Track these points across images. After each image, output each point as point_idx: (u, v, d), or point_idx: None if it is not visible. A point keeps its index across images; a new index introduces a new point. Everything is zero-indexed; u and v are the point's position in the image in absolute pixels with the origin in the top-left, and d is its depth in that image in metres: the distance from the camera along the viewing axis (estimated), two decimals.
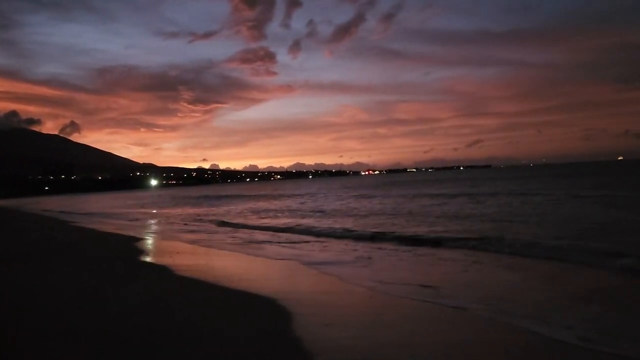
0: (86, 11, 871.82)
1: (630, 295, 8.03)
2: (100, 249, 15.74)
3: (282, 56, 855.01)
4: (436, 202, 33.57)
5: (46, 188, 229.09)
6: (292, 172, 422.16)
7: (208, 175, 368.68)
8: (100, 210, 51.38)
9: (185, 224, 28.08)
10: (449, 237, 15.18)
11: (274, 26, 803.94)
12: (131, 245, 16.25)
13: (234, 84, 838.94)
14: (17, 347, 5.50)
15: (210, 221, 29.58)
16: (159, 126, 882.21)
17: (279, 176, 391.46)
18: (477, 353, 5.33)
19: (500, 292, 8.17)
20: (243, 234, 21.09)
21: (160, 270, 11.04)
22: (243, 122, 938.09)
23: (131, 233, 21.66)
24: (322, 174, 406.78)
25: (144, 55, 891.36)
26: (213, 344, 5.56)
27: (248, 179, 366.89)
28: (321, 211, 32.64)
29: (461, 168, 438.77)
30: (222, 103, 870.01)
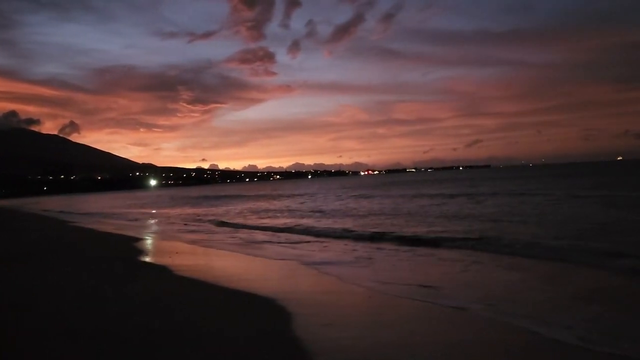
0: (85, 11, 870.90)
1: (630, 296, 8.02)
2: (99, 249, 15.73)
3: (281, 56, 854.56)
4: (435, 202, 33.57)
5: (44, 188, 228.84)
6: (291, 172, 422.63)
7: (207, 175, 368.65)
8: (100, 210, 51.35)
9: (185, 224, 28.06)
10: (448, 237, 15.18)
11: (273, 26, 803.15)
12: (130, 245, 16.24)
13: (233, 84, 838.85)
14: (17, 347, 5.49)
15: (210, 221, 29.57)
16: (158, 126, 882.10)
17: (278, 176, 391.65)
18: (477, 353, 5.33)
19: (500, 292, 8.17)
20: (242, 234, 21.08)
21: (159, 271, 11.03)
22: (242, 122, 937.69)
23: (131, 233, 21.65)
24: (322, 174, 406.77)
25: (143, 55, 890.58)
26: (212, 344, 5.55)
27: (247, 179, 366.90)
28: (320, 211, 32.64)
29: (460, 168, 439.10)
30: (221, 103, 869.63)
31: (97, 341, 5.64)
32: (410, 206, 31.84)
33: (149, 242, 18.45)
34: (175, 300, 8.01)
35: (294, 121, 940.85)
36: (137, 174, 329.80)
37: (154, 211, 45.11)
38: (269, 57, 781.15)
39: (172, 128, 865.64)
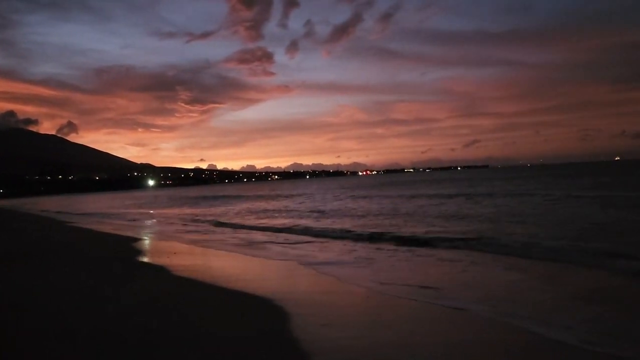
0: (83, 11, 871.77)
1: (630, 296, 8.00)
2: (98, 249, 15.69)
3: (280, 56, 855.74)
4: (434, 203, 33.56)
5: (42, 188, 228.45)
6: (289, 172, 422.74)
7: (205, 176, 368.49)
8: (98, 210, 51.29)
9: (183, 225, 28.02)
10: (447, 238, 15.15)
11: (271, 26, 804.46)
12: (129, 246, 16.20)
13: (231, 84, 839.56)
14: (17, 347, 5.47)
15: (208, 221, 29.52)
16: (156, 126, 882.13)
17: (276, 176, 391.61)
18: (477, 353, 5.31)
19: (499, 292, 8.15)
20: (241, 234, 21.05)
21: (157, 271, 11.00)
22: (240, 122, 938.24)
23: (129, 233, 21.61)
24: (320, 174, 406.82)
25: (141, 56, 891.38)
26: (210, 344, 5.53)
27: (245, 179, 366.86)
28: (319, 211, 32.60)
29: (459, 168, 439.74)
30: (219, 103, 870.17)
31: (95, 341, 5.61)
32: (408, 206, 31.83)
33: (147, 242, 18.43)
34: (173, 300, 7.98)
35: (292, 121, 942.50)
36: (135, 174, 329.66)
37: (152, 211, 45.05)
38: (267, 57, 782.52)
39: (170, 128, 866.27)
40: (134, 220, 33.63)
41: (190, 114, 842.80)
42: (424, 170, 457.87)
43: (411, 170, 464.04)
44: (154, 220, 33.08)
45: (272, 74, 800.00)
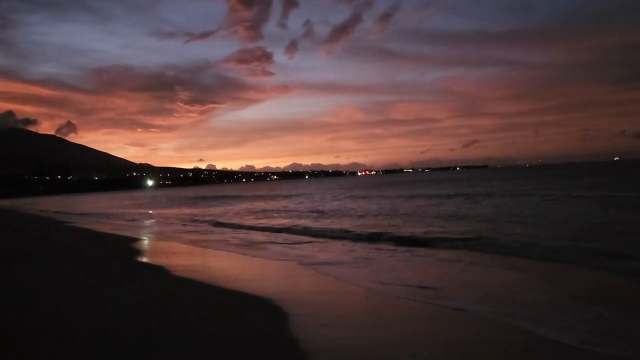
0: (83, 11, 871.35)
1: (630, 296, 7.99)
2: (97, 250, 15.67)
3: (279, 56, 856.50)
4: (433, 203, 33.55)
5: (41, 188, 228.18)
6: (288, 172, 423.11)
7: (204, 176, 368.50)
8: (97, 210, 51.25)
9: (182, 225, 27.99)
10: (446, 238, 15.15)
11: (270, 26, 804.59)
12: (128, 246, 16.18)
13: (230, 84, 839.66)
14: (16, 347, 5.46)
15: (207, 222, 29.50)
16: (155, 126, 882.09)
17: (275, 176, 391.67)
18: (477, 354, 5.29)
19: (499, 292, 8.14)
20: (240, 234, 21.03)
21: (156, 271, 10.98)
22: (240, 122, 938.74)
23: (128, 233, 21.59)
24: (319, 174, 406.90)
25: (141, 56, 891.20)
26: (209, 344, 5.52)
27: (244, 180, 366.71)
28: (318, 211, 32.59)
29: (458, 168, 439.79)
30: (218, 103, 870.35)
31: (94, 341, 5.59)
32: (407, 206, 31.82)
33: (146, 242, 18.41)
34: (173, 300, 7.96)
35: (291, 121, 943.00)
36: (134, 174, 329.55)
37: (151, 211, 45.01)
38: (267, 57, 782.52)
39: (169, 128, 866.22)
40: (133, 220, 33.59)
41: (190, 114, 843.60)
42: (423, 170, 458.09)
43: (410, 170, 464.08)
44: (153, 220, 33.05)
45: (271, 74, 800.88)
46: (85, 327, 6.16)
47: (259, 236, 19.74)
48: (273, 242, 16.96)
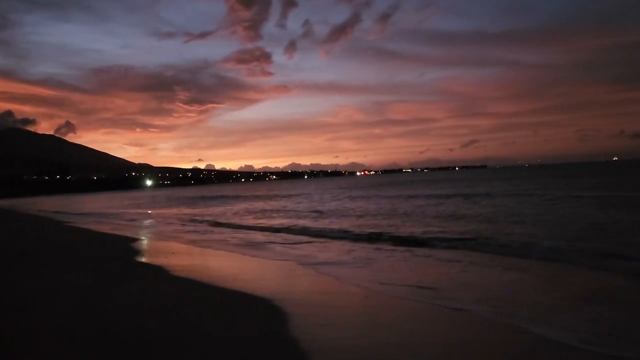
0: (82, 11, 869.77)
1: (630, 297, 7.98)
2: (95, 249, 15.65)
3: (278, 56, 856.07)
4: (432, 203, 33.54)
5: (40, 188, 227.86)
6: (287, 172, 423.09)
7: (203, 176, 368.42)
8: (96, 210, 51.20)
9: (181, 225, 27.97)
10: (445, 238, 15.14)
11: (269, 26, 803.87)
12: (127, 246, 16.16)
13: (229, 84, 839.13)
14: (15, 347, 5.44)
15: (206, 221, 29.47)
16: (154, 126, 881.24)
17: (274, 176, 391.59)
18: (477, 354, 5.28)
19: (499, 292, 8.13)
20: (239, 234, 21.01)
21: (155, 271, 10.97)
22: (239, 122, 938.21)
23: (127, 233, 21.56)
24: (318, 174, 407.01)
25: (140, 56, 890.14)
26: (208, 344, 5.50)
27: (243, 179, 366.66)
28: (317, 211, 32.57)
29: (457, 168, 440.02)
30: (217, 103, 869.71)
31: (93, 341, 5.58)
32: (406, 206, 31.80)
33: (145, 242, 18.38)
34: (171, 300, 7.95)
35: (290, 121, 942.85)
36: (134, 174, 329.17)
37: (150, 211, 44.96)
38: (266, 57, 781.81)
39: (168, 128, 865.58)
40: (132, 220, 33.54)
41: (189, 114, 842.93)
42: (422, 170, 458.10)
43: (409, 170, 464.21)
44: (152, 220, 33.01)
45: (270, 74, 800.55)
46: (84, 327, 6.15)
47: (258, 236, 19.72)
48: (272, 242, 16.94)
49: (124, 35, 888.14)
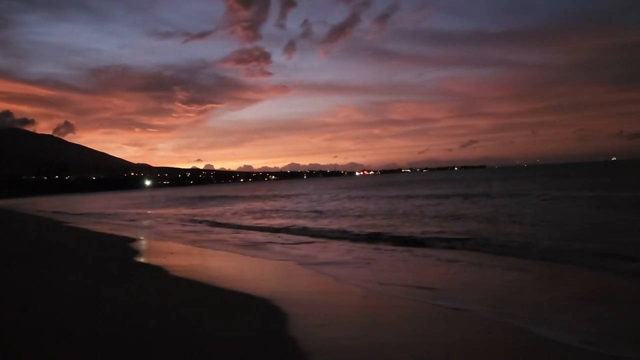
0: (80, 11, 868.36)
1: (630, 297, 7.98)
2: (95, 250, 15.64)
3: (277, 56, 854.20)
4: (431, 203, 33.56)
5: (39, 188, 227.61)
6: (286, 172, 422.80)
7: (202, 176, 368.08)
8: (95, 210, 51.17)
9: (180, 225, 27.96)
10: (445, 238, 15.14)
11: (268, 26, 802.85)
12: (126, 246, 16.14)
13: (228, 84, 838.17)
14: (15, 347, 5.43)
15: (205, 222, 29.46)
16: (153, 126, 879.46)
17: (273, 176, 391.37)
18: (477, 354, 5.27)
19: (498, 292, 8.13)
20: (238, 234, 21.00)
21: (154, 271, 10.96)
22: (238, 122, 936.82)
23: (126, 233, 21.54)
24: (317, 174, 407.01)
25: (138, 55, 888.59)
26: (208, 344, 5.49)
27: (242, 180, 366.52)
28: (316, 211, 32.57)
29: (456, 168, 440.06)
30: (216, 103, 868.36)
31: (93, 341, 5.57)
32: (406, 206, 31.81)
33: (144, 242, 18.37)
34: (171, 300, 7.94)
35: (289, 121, 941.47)
36: (132, 174, 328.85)
37: (149, 212, 44.93)
38: (265, 57, 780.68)
39: (167, 128, 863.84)
40: (131, 220, 33.53)
41: (188, 114, 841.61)
42: (421, 170, 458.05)
43: (408, 170, 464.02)
44: (151, 220, 32.99)
45: (269, 74, 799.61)
46: (84, 328, 6.14)
47: (257, 236, 19.71)
48: (271, 242, 16.93)
49: (122, 35, 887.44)
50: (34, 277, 10.18)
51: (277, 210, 36.44)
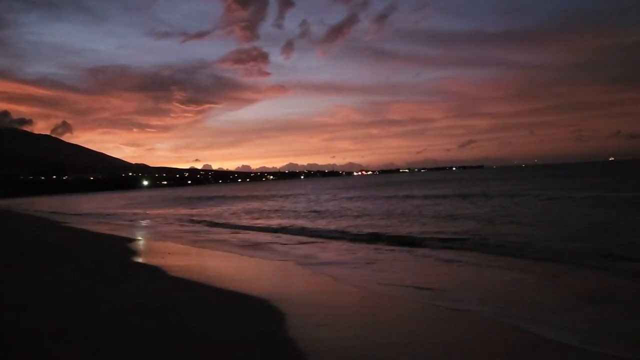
0: (78, 11, 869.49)
1: (630, 297, 7.97)
2: (92, 250, 15.59)
3: (275, 56, 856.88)
4: (430, 203, 33.54)
5: (37, 188, 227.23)
6: (284, 172, 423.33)
7: (200, 176, 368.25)
8: (93, 210, 51.08)
9: (178, 225, 27.92)
10: (443, 238, 15.12)
11: (266, 26, 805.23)
12: (123, 246, 16.10)
13: (226, 84, 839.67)
14: (13, 347, 5.40)
15: (203, 222, 29.42)
16: (151, 126, 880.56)
17: (271, 177, 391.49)
18: (477, 354, 5.25)
19: (498, 292, 8.11)
20: (236, 234, 20.97)
21: (152, 271, 10.92)
22: (236, 122, 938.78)
23: (123, 234, 21.50)
24: (315, 174, 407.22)
25: (136, 56, 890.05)
26: (205, 344, 5.46)
27: (240, 180, 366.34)
28: (315, 212, 32.54)
29: (454, 168, 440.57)
30: (214, 103, 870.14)
31: (91, 341, 5.54)
32: (404, 206, 31.79)
33: (142, 242, 18.32)
34: (169, 300, 7.91)
35: (287, 121, 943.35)
36: (130, 174, 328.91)
37: (147, 212, 44.87)
38: (263, 57, 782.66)
39: (165, 128, 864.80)
40: (129, 220, 33.49)
41: (186, 114, 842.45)
42: (419, 170, 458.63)
43: (406, 170, 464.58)
44: (149, 220, 32.94)
45: (267, 74, 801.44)
46: (81, 328, 6.10)
47: (255, 236, 19.67)
48: (270, 242, 16.90)
49: (120, 35, 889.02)
50: (31, 277, 10.13)
51: (276, 211, 36.39)
